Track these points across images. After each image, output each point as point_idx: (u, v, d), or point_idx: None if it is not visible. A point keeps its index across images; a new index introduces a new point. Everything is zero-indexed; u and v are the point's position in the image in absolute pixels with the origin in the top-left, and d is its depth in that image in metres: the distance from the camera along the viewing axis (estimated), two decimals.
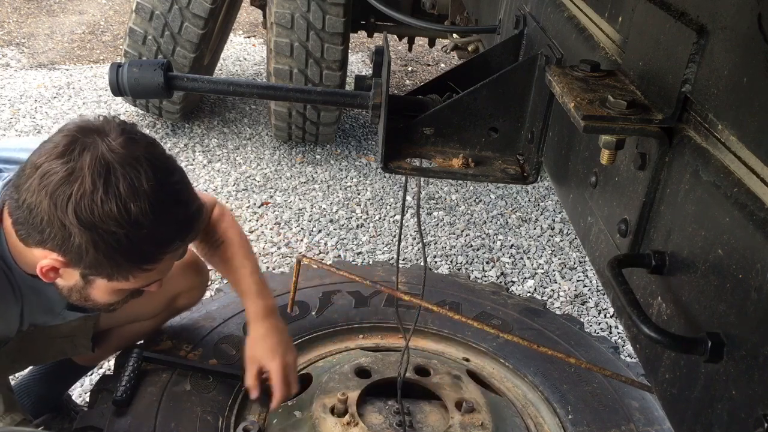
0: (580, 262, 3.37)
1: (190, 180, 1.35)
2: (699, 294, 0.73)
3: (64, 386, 2.16)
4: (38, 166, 1.20)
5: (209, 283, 2.88)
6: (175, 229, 1.29)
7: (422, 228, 3.54)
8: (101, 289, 1.34)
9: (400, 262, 3.23)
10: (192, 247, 1.81)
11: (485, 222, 3.68)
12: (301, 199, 3.72)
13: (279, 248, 3.25)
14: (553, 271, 3.30)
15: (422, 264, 3.20)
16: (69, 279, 1.32)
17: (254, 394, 1.71)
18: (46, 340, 1.80)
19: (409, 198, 3.83)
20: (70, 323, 1.79)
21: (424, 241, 3.44)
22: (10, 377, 2.11)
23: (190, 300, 2.03)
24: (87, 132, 1.22)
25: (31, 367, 2.07)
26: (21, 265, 1.39)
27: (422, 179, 1.46)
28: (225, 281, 2.91)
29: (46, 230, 1.21)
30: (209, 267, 1.95)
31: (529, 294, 3.05)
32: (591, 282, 3.23)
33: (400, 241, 1.57)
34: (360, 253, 3.29)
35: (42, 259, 1.26)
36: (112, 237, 1.20)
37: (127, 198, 1.18)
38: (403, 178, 4.02)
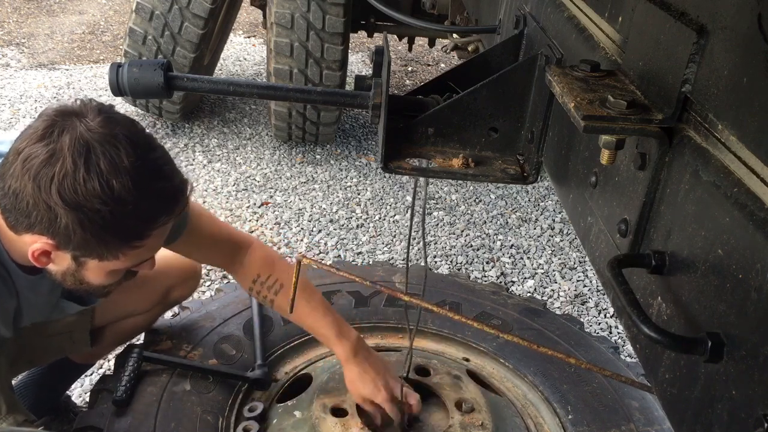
0: (580, 262, 3.37)
1: (171, 157, 1.36)
2: (699, 294, 0.73)
3: (62, 387, 2.16)
4: (20, 151, 1.22)
5: (209, 282, 2.90)
6: (160, 203, 1.30)
7: (427, 228, 3.54)
8: (94, 271, 1.35)
9: (400, 261, 3.23)
10: (250, 294, 1.83)
11: (485, 222, 3.68)
12: (301, 199, 3.72)
13: (279, 248, 3.26)
14: (553, 271, 3.30)
15: (422, 264, 3.20)
16: (61, 263, 1.33)
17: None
18: (45, 338, 1.80)
19: (409, 198, 3.83)
20: (66, 319, 1.79)
21: (415, 241, 3.45)
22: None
23: (184, 292, 2.04)
24: (65, 115, 1.24)
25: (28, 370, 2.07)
26: (15, 257, 1.40)
27: (427, 181, 1.46)
28: (225, 281, 2.91)
29: (32, 214, 1.22)
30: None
31: (529, 294, 3.05)
32: (591, 282, 3.23)
33: (410, 242, 1.57)
34: (360, 253, 3.29)
35: (32, 244, 1.27)
36: (98, 215, 1.21)
37: (109, 175, 1.20)
38: (404, 178, 4.03)
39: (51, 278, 1.40)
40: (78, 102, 1.28)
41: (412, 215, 1.48)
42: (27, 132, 1.24)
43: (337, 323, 1.76)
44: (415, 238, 3.45)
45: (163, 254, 1.91)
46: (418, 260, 3.26)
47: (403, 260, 3.26)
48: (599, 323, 2.95)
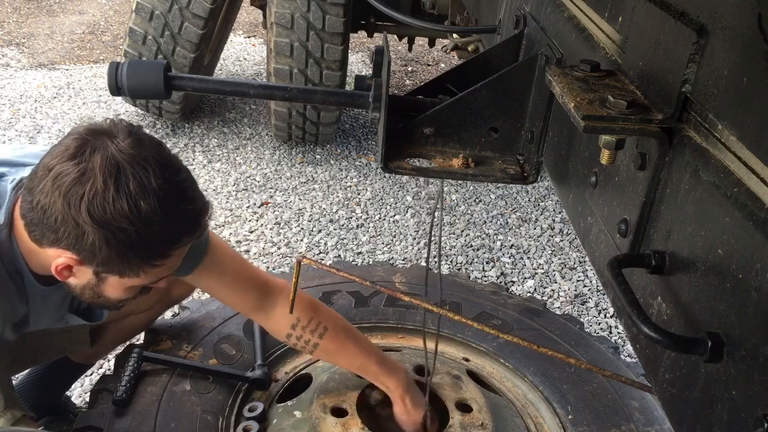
0: (580, 262, 3.37)
1: (195, 180, 1.38)
2: (699, 294, 0.73)
3: (62, 387, 2.16)
4: (51, 168, 1.25)
5: None
6: (184, 224, 1.32)
7: (422, 228, 3.54)
8: (113, 286, 1.38)
9: (400, 261, 3.23)
10: (287, 342, 1.77)
11: (485, 222, 3.68)
12: (301, 199, 3.72)
13: (279, 248, 3.26)
14: (553, 271, 3.30)
15: (422, 264, 3.19)
16: (82, 277, 1.36)
17: None
18: (45, 338, 1.80)
19: (409, 198, 3.83)
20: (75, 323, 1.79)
21: (425, 241, 3.44)
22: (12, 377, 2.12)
23: (183, 291, 2.04)
24: (96, 134, 1.27)
25: (28, 370, 2.07)
26: (33, 267, 1.43)
27: (441, 194, 1.46)
28: None
29: (60, 229, 1.25)
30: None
31: (529, 294, 3.05)
32: (591, 282, 3.23)
33: (430, 246, 1.57)
34: (360, 253, 3.29)
35: (56, 258, 1.31)
36: (124, 234, 1.24)
37: (137, 196, 1.23)
38: (404, 178, 4.03)
39: (69, 291, 1.43)
40: (108, 121, 1.31)
41: (434, 215, 1.47)
42: (58, 149, 1.27)
43: (384, 364, 1.76)
44: (415, 238, 3.45)
45: None
46: (418, 260, 3.26)
47: (403, 260, 3.26)
48: (599, 323, 2.95)
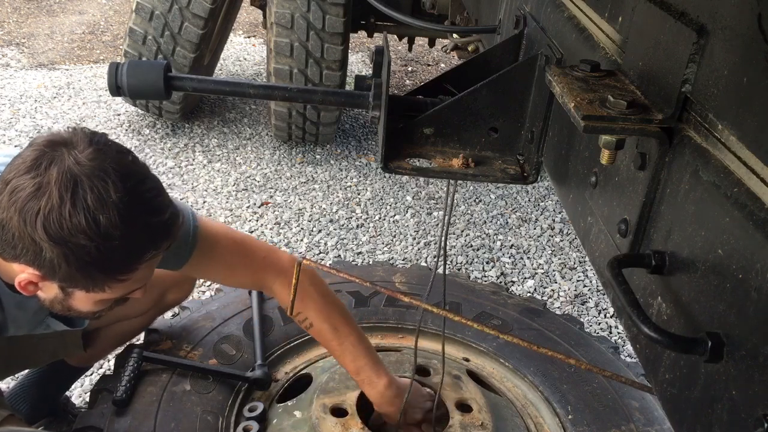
0: (580, 262, 3.37)
1: (164, 189, 1.32)
2: (699, 294, 0.73)
3: (60, 389, 2.16)
4: (8, 182, 1.20)
5: (209, 282, 2.89)
6: (149, 238, 1.27)
7: (422, 228, 3.54)
8: (81, 300, 1.34)
9: (400, 261, 3.23)
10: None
11: (485, 222, 3.68)
12: (301, 199, 3.72)
13: (279, 248, 3.25)
14: (553, 271, 3.30)
15: (422, 264, 3.20)
16: (49, 291, 1.32)
17: None
18: (37, 342, 1.80)
19: (409, 198, 3.83)
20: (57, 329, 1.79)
21: (425, 241, 3.45)
22: (9, 379, 2.12)
23: (179, 295, 2.03)
24: (54, 145, 1.22)
25: (26, 372, 2.07)
26: (4, 277, 1.40)
27: (448, 195, 1.46)
28: None
29: (18, 246, 1.20)
30: None
31: (529, 294, 3.05)
32: (591, 282, 3.23)
33: (443, 249, 1.55)
34: (360, 253, 3.29)
35: (20, 273, 1.27)
36: (83, 250, 1.19)
37: (96, 210, 1.17)
38: (404, 178, 4.02)
39: (39, 302, 1.40)
40: (69, 130, 1.25)
41: (445, 216, 1.47)
42: (16, 161, 1.22)
43: (368, 367, 1.72)
44: (414, 238, 3.45)
45: None
46: (418, 260, 3.26)
47: (403, 260, 3.26)
48: (599, 323, 2.95)
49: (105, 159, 1.21)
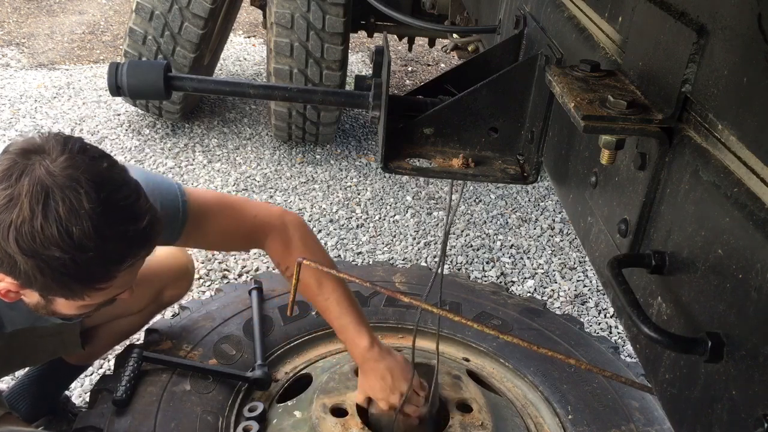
0: (580, 262, 3.37)
1: (144, 193, 1.30)
2: (699, 294, 0.73)
3: (60, 388, 2.16)
4: None
5: (209, 282, 2.90)
6: (125, 247, 1.25)
7: (422, 228, 3.54)
8: (64, 306, 1.33)
9: (400, 261, 3.23)
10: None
11: (485, 222, 3.68)
12: (301, 199, 3.72)
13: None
14: (553, 271, 3.30)
15: (422, 264, 3.20)
16: (31, 298, 1.32)
17: None
18: (35, 339, 1.80)
19: (409, 198, 3.83)
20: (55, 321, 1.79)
21: (425, 241, 3.45)
22: (8, 378, 2.12)
23: (177, 292, 2.03)
24: (27, 154, 1.19)
25: (26, 370, 2.07)
26: None
27: (452, 194, 1.46)
28: (225, 281, 2.91)
29: None
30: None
31: (529, 294, 3.05)
32: (591, 282, 3.23)
33: (443, 250, 1.54)
34: (360, 253, 3.29)
35: (0, 281, 1.26)
36: (58, 262, 1.17)
37: (68, 222, 1.15)
38: (404, 178, 4.02)
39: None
40: (44, 137, 1.23)
41: (449, 215, 1.46)
42: None
43: (353, 324, 1.70)
44: (415, 238, 3.45)
45: (155, 255, 1.90)
46: (418, 260, 3.26)
47: (403, 260, 3.26)
48: (599, 323, 2.95)
49: (78, 167, 1.18)
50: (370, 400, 1.75)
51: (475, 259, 3.32)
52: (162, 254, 1.87)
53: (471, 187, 4.00)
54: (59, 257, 1.17)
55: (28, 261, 1.17)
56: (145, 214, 1.26)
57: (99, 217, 1.18)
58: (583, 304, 3.07)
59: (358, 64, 5.96)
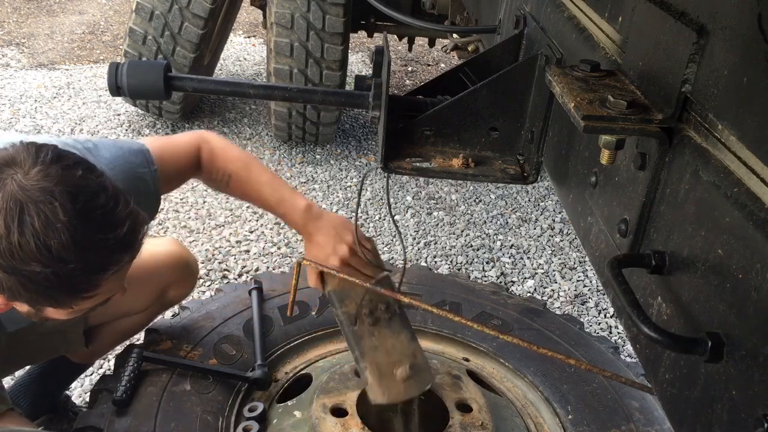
0: (580, 262, 3.37)
1: (123, 197, 1.26)
2: (699, 294, 0.73)
3: (61, 386, 2.16)
4: None
5: (209, 282, 2.90)
6: (106, 255, 1.22)
7: (422, 228, 3.54)
8: (55, 313, 1.32)
9: (400, 261, 3.23)
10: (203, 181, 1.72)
11: (485, 222, 3.68)
12: None
13: (279, 248, 3.25)
14: (553, 271, 3.30)
15: (422, 264, 3.20)
16: (21, 307, 1.30)
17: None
18: (38, 336, 1.80)
19: (409, 198, 3.83)
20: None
21: (424, 241, 3.45)
22: (9, 377, 2.12)
23: (180, 291, 2.03)
24: None
25: (28, 368, 2.07)
26: None
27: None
28: (225, 281, 2.91)
29: None
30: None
31: (529, 294, 3.05)
32: (591, 282, 3.23)
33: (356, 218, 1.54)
34: None
35: None
36: (39, 276, 1.16)
37: (45, 236, 1.13)
38: (404, 178, 4.02)
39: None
40: (16, 148, 1.20)
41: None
42: None
43: (281, 194, 1.65)
44: (415, 238, 3.45)
45: (158, 255, 1.90)
46: (418, 260, 3.26)
47: (403, 260, 3.26)
48: (599, 323, 2.95)
49: (51, 178, 1.16)
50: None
51: (475, 259, 3.32)
52: (165, 254, 1.86)
53: (471, 187, 4.00)
54: (40, 272, 1.15)
55: (10, 278, 1.16)
56: (125, 220, 1.23)
57: (76, 229, 1.15)
58: (583, 304, 3.07)
59: (358, 64, 5.96)
